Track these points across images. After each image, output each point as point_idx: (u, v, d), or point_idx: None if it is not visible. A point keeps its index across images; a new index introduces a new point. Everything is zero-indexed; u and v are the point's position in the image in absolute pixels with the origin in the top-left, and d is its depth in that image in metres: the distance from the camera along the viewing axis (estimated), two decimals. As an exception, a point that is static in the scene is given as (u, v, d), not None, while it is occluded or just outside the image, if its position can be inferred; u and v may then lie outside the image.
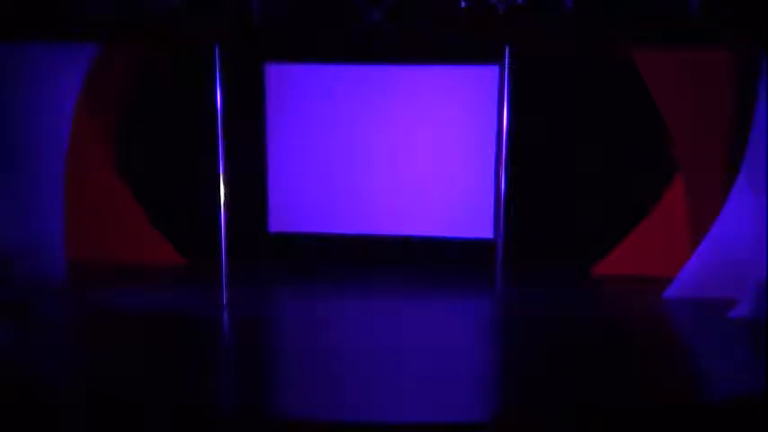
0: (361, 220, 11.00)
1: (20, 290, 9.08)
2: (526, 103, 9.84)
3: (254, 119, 10.82)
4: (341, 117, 10.79)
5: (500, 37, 9.00)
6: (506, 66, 9.06)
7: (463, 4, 8.55)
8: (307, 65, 10.72)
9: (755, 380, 6.84)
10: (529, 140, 10.07)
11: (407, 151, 10.80)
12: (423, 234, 10.95)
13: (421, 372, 7.16)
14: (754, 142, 8.90)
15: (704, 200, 9.66)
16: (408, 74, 10.65)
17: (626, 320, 8.88)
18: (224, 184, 8.96)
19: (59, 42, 9.28)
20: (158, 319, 8.73)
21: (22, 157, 9.62)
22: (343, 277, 10.49)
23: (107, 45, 9.56)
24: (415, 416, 6.19)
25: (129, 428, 6.01)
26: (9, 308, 8.66)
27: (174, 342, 8.07)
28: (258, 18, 8.83)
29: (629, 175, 10.32)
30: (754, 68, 8.99)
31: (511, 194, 9.34)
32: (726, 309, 8.77)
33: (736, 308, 8.69)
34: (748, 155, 8.96)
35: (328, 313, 8.98)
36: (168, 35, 9.22)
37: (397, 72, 10.66)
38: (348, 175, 10.91)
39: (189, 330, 8.42)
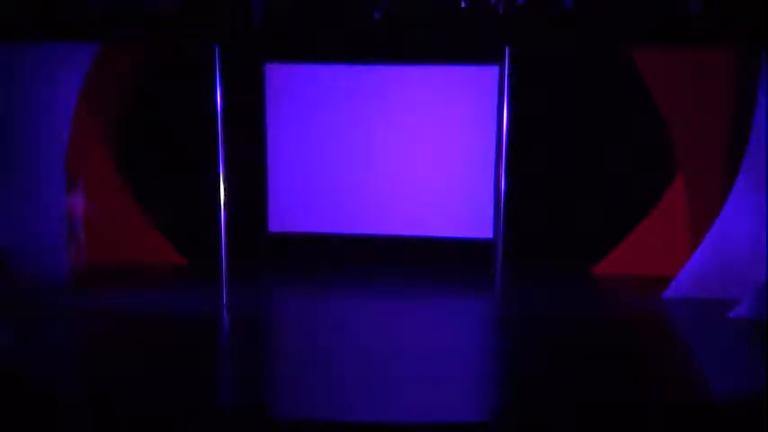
0: (362, 220, 11.00)
1: (20, 290, 9.08)
2: (526, 103, 9.84)
3: (254, 119, 10.82)
4: (341, 117, 10.79)
5: (500, 37, 9.00)
6: (506, 66, 9.06)
7: (463, 4, 8.55)
8: (307, 65, 10.72)
9: (755, 380, 6.84)
10: (529, 140, 10.07)
11: (407, 151, 10.80)
12: (423, 234, 10.95)
13: (421, 372, 7.16)
14: (754, 142, 8.90)
15: (704, 200, 9.67)
16: (408, 74, 10.65)
17: (626, 320, 8.88)
18: (224, 184, 8.96)
19: (59, 42, 9.28)
20: (158, 319, 8.73)
21: (22, 157, 9.63)
22: (343, 277, 10.50)
23: (107, 45, 9.57)
24: (415, 416, 6.19)
25: (129, 428, 6.02)
26: (9, 308, 8.65)
27: (174, 342, 8.07)
28: (258, 18, 8.83)
29: (629, 175, 10.32)
30: (754, 68, 8.99)
31: (511, 194, 9.34)
32: (726, 309, 8.77)
33: (736, 308, 8.69)
34: (748, 155, 8.97)
35: (328, 313, 8.98)
36: (168, 35, 9.21)
37: (397, 72, 10.66)
38: (348, 175, 10.91)
39: (189, 330, 8.42)
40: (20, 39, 9.12)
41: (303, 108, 10.82)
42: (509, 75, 9.09)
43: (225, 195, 8.98)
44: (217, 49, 8.70)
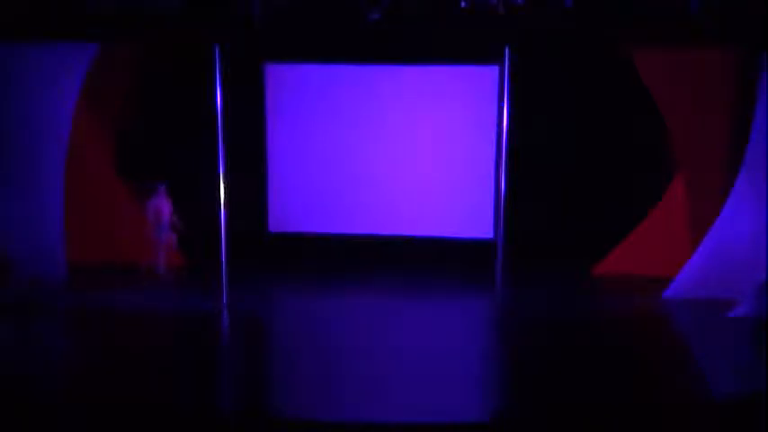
0: (361, 220, 11.00)
1: (20, 290, 9.08)
2: (526, 103, 9.84)
3: (254, 119, 10.82)
4: (340, 117, 10.79)
5: (500, 37, 9.00)
6: (506, 66, 9.06)
7: (463, 4, 8.55)
8: (307, 65, 10.72)
9: (755, 380, 6.84)
10: (529, 140, 10.07)
11: (407, 151, 10.80)
12: (423, 234, 10.95)
13: (421, 372, 7.16)
14: (754, 142, 8.90)
15: (704, 200, 9.66)
16: (408, 74, 10.65)
17: (626, 320, 8.88)
18: (224, 184, 8.96)
19: (59, 42, 9.28)
20: (158, 319, 8.73)
21: (22, 158, 9.62)
22: (343, 277, 10.50)
23: (107, 45, 9.57)
24: (416, 416, 6.19)
25: (129, 428, 6.02)
26: (9, 308, 8.66)
27: (174, 342, 8.07)
28: (258, 18, 8.83)
29: (629, 175, 10.32)
30: (754, 68, 8.99)
31: (511, 194, 9.34)
32: (726, 309, 8.77)
33: (736, 308, 8.69)
34: (748, 155, 8.97)
35: (328, 313, 8.98)
36: (168, 35, 9.21)
37: (397, 72, 10.66)
38: (348, 176, 10.91)
39: (189, 330, 8.43)
40: (20, 39, 9.12)
41: (303, 108, 10.82)
42: (509, 75, 9.09)
43: (225, 195, 8.98)
44: (217, 49, 8.70)
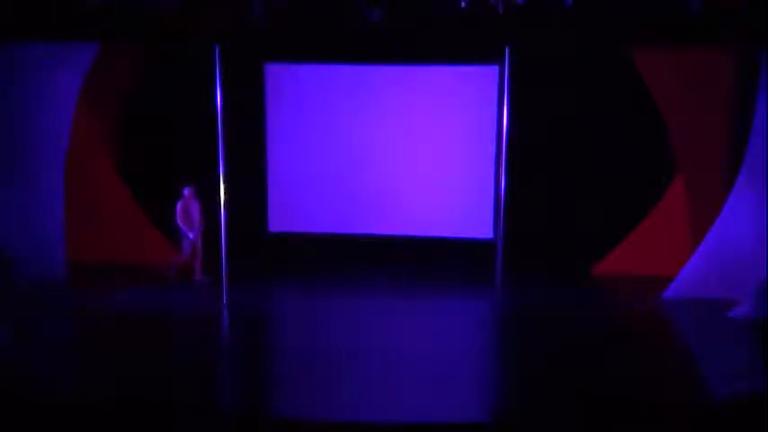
0: (361, 220, 11.00)
1: (20, 290, 9.08)
2: (526, 103, 9.84)
3: (254, 119, 10.82)
4: (340, 117, 10.79)
5: (500, 37, 9.00)
6: (506, 66, 9.06)
7: (463, 4, 8.55)
8: (307, 65, 10.72)
9: (755, 380, 6.84)
10: (529, 140, 10.07)
11: (407, 151, 10.79)
12: (423, 234, 10.95)
13: (420, 372, 7.16)
14: (754, 142, 8.90)
15: (704, 200, 9.67)
16: (408, 74, 10.65)
17: (626, 320, 8.88)
18: (224, 184, 8.96)
19: (59, 42, 9.29)
20: (158, 319, 8.73)
21: (22, 158, 9.63)
22: (343, 277, 10.50)
23: (107, 45, 9.57)
24: (415, 416, 6.19)
25: (129, 428, 6.02)
26: (9, 308, 8.65)
27: (174, 342, 8.06)
28: (258, 18, 8.83)
29: (629, 175, 10.33)
30: (754, 68, 8.99)
31: (511, 194, 9.34)
32: (726, 309, 8.77)
33: (737, 308, 8.69)
34: (748, 155, 8.97)
35: (328, 313, 8.98)
36: (168, 35, 9.21)
37: (398, 72, 10.66)
38: (348, 176, 10.91)
39: (189, 330, 8.42)
40: (20, 39, 9.12)
41: (303, 108, 10.82)
42: (509, 75, 9.09)
43: (225, 195, 8.99)
44: (217, 49, 8.70)
